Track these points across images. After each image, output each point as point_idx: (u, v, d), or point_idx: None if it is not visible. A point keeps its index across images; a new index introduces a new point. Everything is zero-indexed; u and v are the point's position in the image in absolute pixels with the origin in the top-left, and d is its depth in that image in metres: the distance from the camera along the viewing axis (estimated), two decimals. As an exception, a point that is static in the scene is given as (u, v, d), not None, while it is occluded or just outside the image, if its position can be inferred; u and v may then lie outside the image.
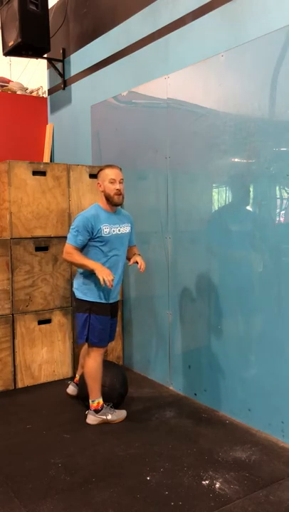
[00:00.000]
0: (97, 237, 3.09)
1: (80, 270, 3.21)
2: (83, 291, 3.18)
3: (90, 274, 3.13)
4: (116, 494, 2.38)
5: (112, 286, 2.99)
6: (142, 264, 3.21)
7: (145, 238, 3.92)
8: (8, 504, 2.32)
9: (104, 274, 2.97)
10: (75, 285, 3.26)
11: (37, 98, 5.58)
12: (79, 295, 3.19)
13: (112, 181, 3.11)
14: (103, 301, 3.15)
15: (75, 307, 3.29)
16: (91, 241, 3.11)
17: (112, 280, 2.98)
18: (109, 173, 3.13)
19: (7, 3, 4.65)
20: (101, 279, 2.95)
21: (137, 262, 3.22)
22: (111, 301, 3.20)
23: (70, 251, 3.11)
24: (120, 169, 3.21)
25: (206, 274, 3.42)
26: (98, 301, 3.14)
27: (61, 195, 4.06)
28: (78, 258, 3.09)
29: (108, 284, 2.96)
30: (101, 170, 3.20)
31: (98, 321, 3.14)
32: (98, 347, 3.16)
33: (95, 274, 3.06)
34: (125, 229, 3.25)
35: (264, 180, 2.96)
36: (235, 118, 3.11)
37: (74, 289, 3.26)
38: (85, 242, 3.10)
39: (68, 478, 2.53)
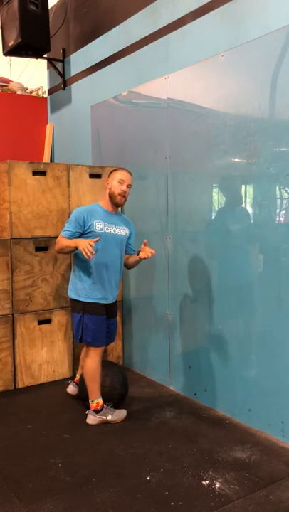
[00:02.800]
0: (88, 231, 3.11)
1: (74, 270, 3.24)
2: (76, 292, 3.19)
3: (82, 275, 3.16)
4: (116, 494, 2.38)
5: (92, 256, 2.90)
6: (145, 250, 3.19)
7: (145, 238, 3.91)
8: (8, 504, 2.32)
9: (83, 246, 2.93)
10: (69, 286, 3.28)
11: (37, 98, 5.58)
12: (72, 295, 3.22)
13: (121, 182, 3.18)
14: (96, 301, 3.16)
15: (70, 307, 3.31)
16: (83, 236, 3.11)
17: (94, 250, 2.90)
18: (120, 175, 3.20)
19: (7, 3, 4.65)
20: (83, 252, 2.91)
21: (145, 257, 3.20)
22: (105, 302, 3.20)
23: (57, 240, 3.16)
24: (131, 175, 3.25)
25: (206, 274, 3.42)
26: (91, 301, 3.15)
27: (61, 195, 4.06)
28: (64, 242, 3.11)
29: (86, 255, 2.88)
30: (115, 170, 3.26)
31: (92, 320, 3.14)
32: (94, 347, 3.17)
33: (87, 273, 3.14)
34: (122, 231, 3.25)
35: (264, 180, 2.96)
36: (235, 118, 3.11)
37: (68, 290, 3.28)
38: (75, 234, 3.11)
39: (68, 478, 2.53)
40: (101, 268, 3.15)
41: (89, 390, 3.18)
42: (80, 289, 3.18)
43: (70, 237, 3.11)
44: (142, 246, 3.23)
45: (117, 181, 3.18)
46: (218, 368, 3.35)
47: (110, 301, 3.25)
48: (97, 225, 3.13)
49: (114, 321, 3.37)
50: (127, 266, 3.40)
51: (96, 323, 3.15)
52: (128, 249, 3.34)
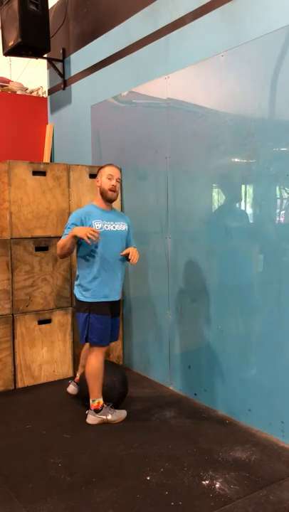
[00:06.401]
0: None
1: (78, 271, 3.23)
2: (82, 292, 3.20)
3: (86, 275, 3.16)
4: (116, 494, 2.38)
5: (98, 238, 2.97)
6: (133, 254, 3.16)
7: (145, 238, 3.92)
8: (8, 504, 2.32)
9: (85, 232, 2.96)
10: (75, 286, 3.29)
11: (37, 98, 5.58)
12: (79, 296, 3.22)
13: (110, 177, 3.20)
14: (102, 300, 3.16)
15: (76, 307, 3.31)
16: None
17: (98, 233, 2.97)
18: (108, 170, 3.24)
19: (7, 3, 4.65)
20: (85, 238, 2.94)
21: (128, 254, 3.18)
22: (110, 300, 3.21)
23: (58, 243, 3.16)
24: (120, 170, 3.26)
25: (206, 274, 3.42)
26: (97, 300, 3.15)
27: (61, 195, 4.06)
28: (62, 240, 3.11)
29: (94, 237, 2.94)
30: (102, 167, 3.30)
31: (98, 320, 3.14)
32: (99, 346, 3.17)
33: (91, 273, 3.13)
34: (121, 226, 3.26)
35: (264, 180, 2.96)
36: (235, 118, 3.11)
37: (74, 291, 3.29)
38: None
39: (68, 478, 2.53)
40: (105, 266, 3.15)
41: (90, 389, 3.18)
42: (86, 289, 3.17)
43: None
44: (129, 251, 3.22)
45: (105, 177, 3.21)
46: (218, 368, 3.35)
47: (114, 298, 3.25)
48: (96, 225, 3.14)
49: (117, 319, 3.37)
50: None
51: (102, 323, 3.16)
52: (128, 244, 3.34)
